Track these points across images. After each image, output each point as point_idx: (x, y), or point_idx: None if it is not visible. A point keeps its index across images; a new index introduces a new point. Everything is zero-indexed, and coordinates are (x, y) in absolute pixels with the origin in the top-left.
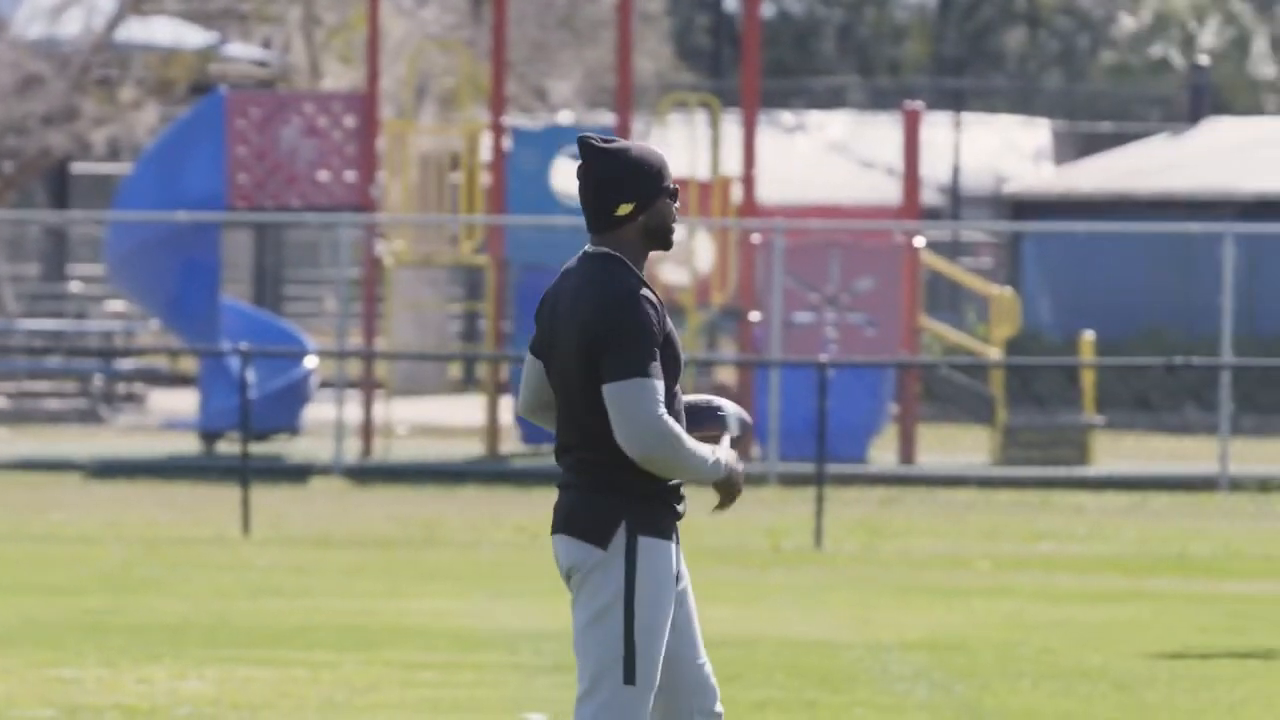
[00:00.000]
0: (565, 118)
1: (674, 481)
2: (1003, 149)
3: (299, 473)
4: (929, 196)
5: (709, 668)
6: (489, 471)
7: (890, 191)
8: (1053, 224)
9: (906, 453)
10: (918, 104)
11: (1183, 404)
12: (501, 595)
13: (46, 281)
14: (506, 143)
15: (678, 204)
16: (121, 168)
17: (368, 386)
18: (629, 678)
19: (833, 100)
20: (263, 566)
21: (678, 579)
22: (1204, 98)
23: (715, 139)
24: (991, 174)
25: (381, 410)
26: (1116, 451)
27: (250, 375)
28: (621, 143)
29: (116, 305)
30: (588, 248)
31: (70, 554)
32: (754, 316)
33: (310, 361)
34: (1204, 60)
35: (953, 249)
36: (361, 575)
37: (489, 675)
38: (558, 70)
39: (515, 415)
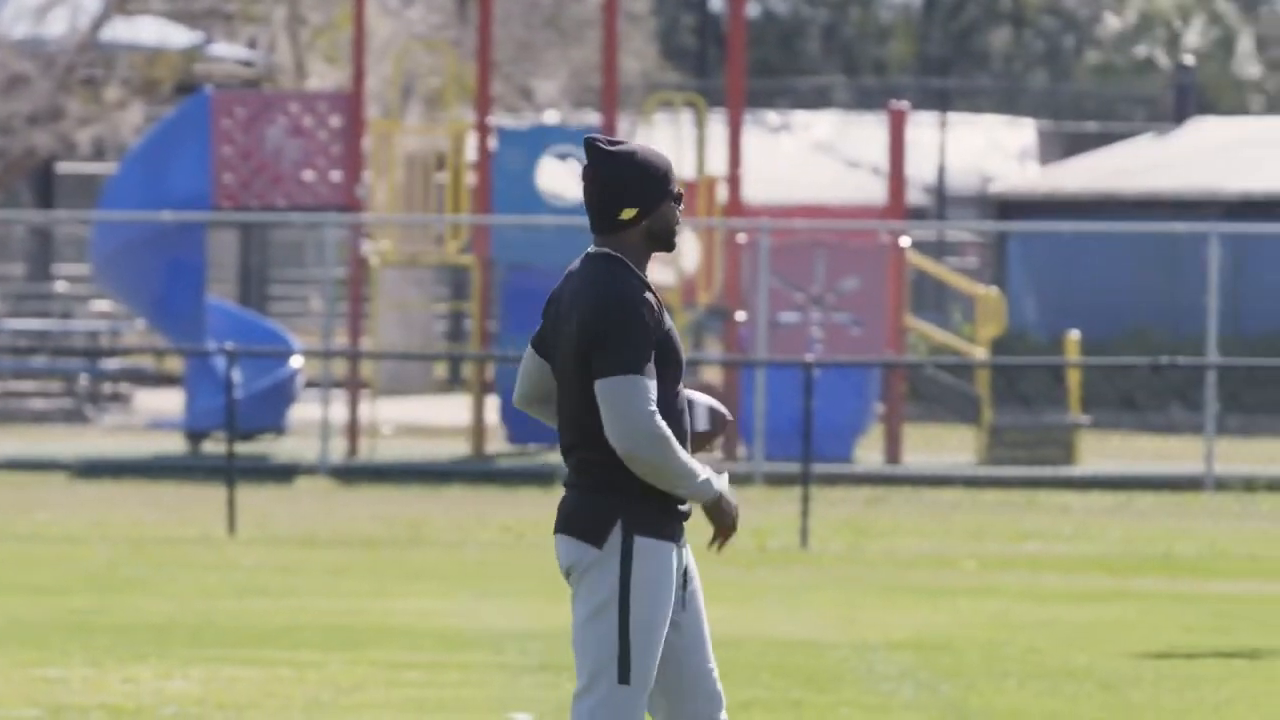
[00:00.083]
0: (551, 117)
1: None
2: (988, 149)
3: (284, 472)
4: (914, 196)
5: (716, 674)
6: (474, 471)
7: (876, 191)
8: (1038, 224)
9: (892, 452)
10: (903, 104)
11: (1168, 404)
12: (487, 595)
13: (32, 281)
14: (492, 142)
15: (682, 207)
16: (107, 167)
17: (353, 386)
18: (624, 677)
19: (818, 100)
20: (248, 566)
21: (686, 581)
22: (1189, 97)
23: (701, 139)
24: (977, 174)
25: (367, 410)
26: (1102, 451)
27: (236, 375)
28: (628, 145)
29: (102, 305)
30: (590, 248)
31: (55, 554)
32: (740, 316)
33: (296, 361)
34: (1189, 60)
35: (938, 249)
36: (347, 575)
37: (474, 675)
38: (543, 70)
39: (509, 407)
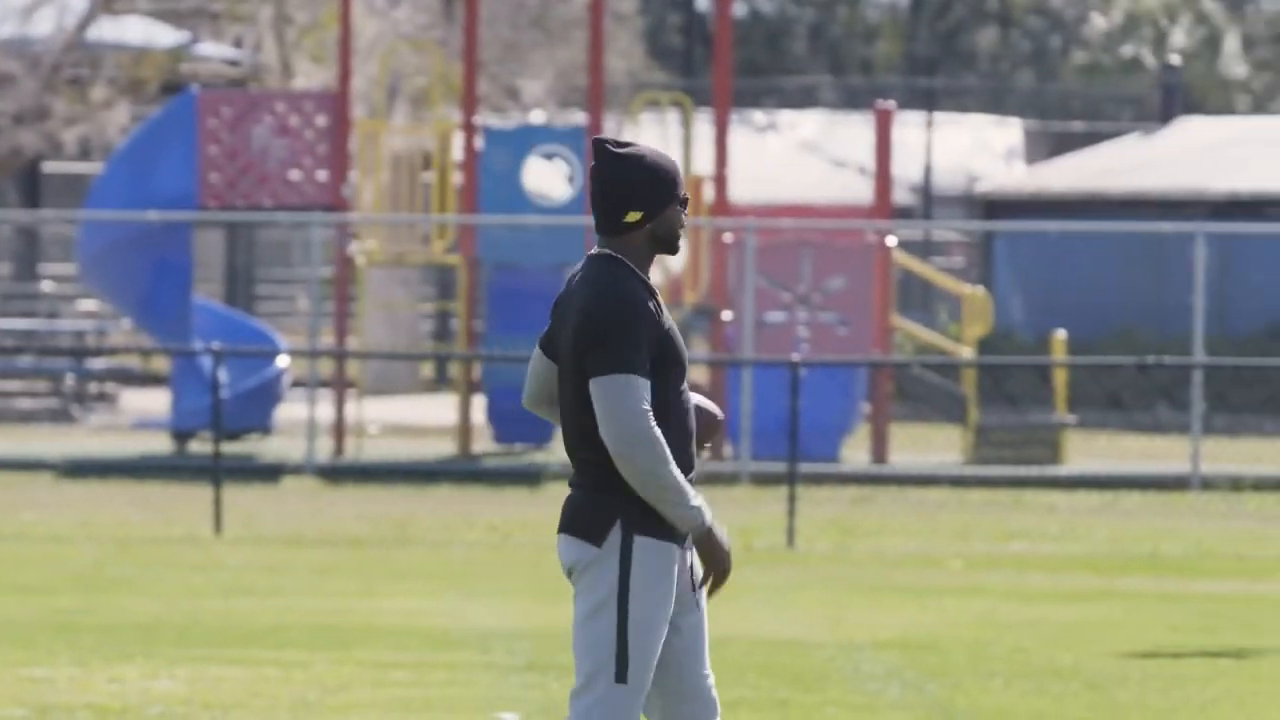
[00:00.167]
0: (537, 117)
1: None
2: (974, 148)
3: (271, 472)
4: (901, 196)
5: (712, 680)
6: (461, 471)
7: (862, 191)
8: (1024, 223)
9: (879, 452)
10: (889, 103)
11: (1155, 403)
12: (474, 595)
13: (18, 281)
14: (478, 142)
15: (687, 211)
16: (93, 167)
17: (340, 386)
18: (621, 676)
19: (805, 99)
20: (234, 566)
21: (694, 586)
22: (1175, 97)
23: (687, 138)
24: (963, 173)
25: (353, 410)
26: (1088, 451)
27: (222, 375)
28: (636, 148)
29: (88, 305)
30: (593, 249)
31: (42, 553)
32: (726, 316)
33: (282, 361)
34: (1175, 60)
35: (925, 248)
36: (333, 575)
37: (461, 674)
38: (530, 70)
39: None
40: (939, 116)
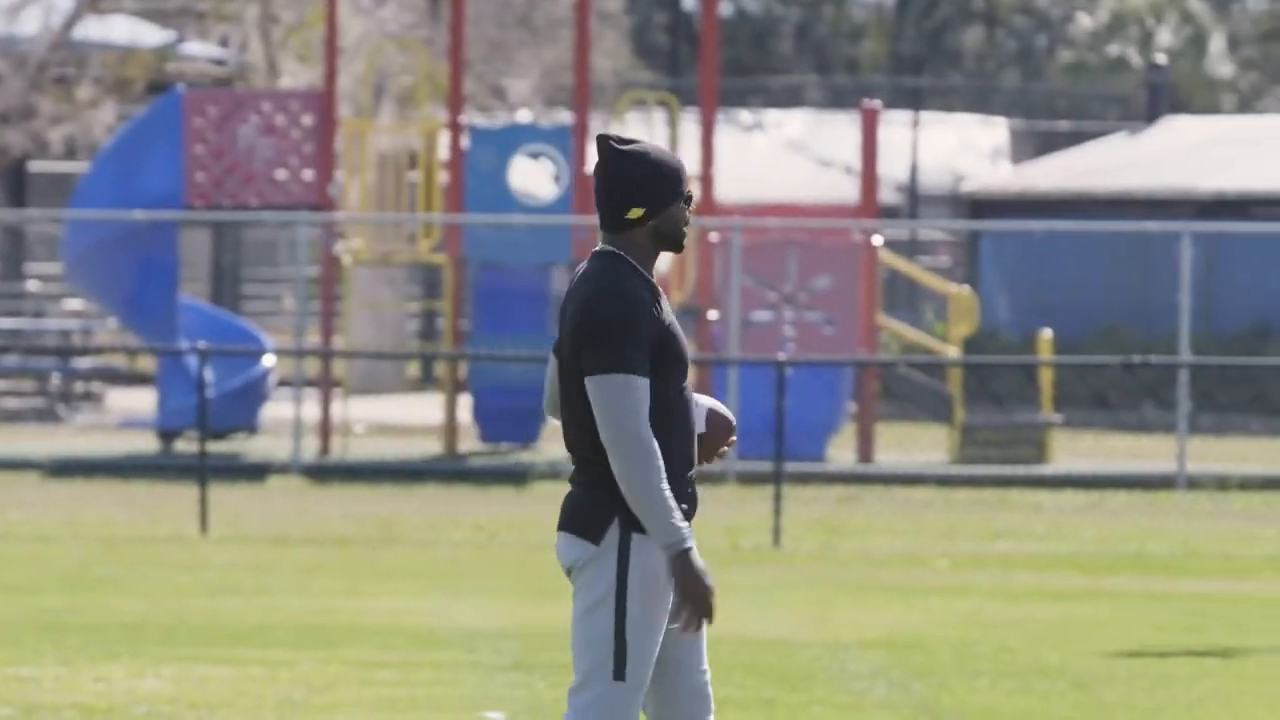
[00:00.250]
0: (523, 116)
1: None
2: (960, 148)
3: (257, 471)
4: (887, 195)
5: (708, 677)
6: (447, 470)
7: (848, 190)
8: (1010, 223)
9: (865, 451)
10: (875, 103)
11: (1141, 402)
12: (460, 594)
13: (4, 280)
14: (464, 141)
15: (691, 208)
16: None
17: (326, 385)
18: (619, 674)
19: (790, 99)
20: (220, 565)
21: None
22: (1161, 96)
23: (673, 137)
24: (949, 173)
25: (339, 409)
26: (1074, 450)
27: (208, 374)
28: (640, 145)
29: (74, 304)
30: (597, 246)
31: (27, 553)
32: (712, 315)
33: (268, 360)
34: (1161, 59)
35: (911, 248)
36: (319, 574)
37: (447, 674)
38: (516, 69)
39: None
40: (925, 116)
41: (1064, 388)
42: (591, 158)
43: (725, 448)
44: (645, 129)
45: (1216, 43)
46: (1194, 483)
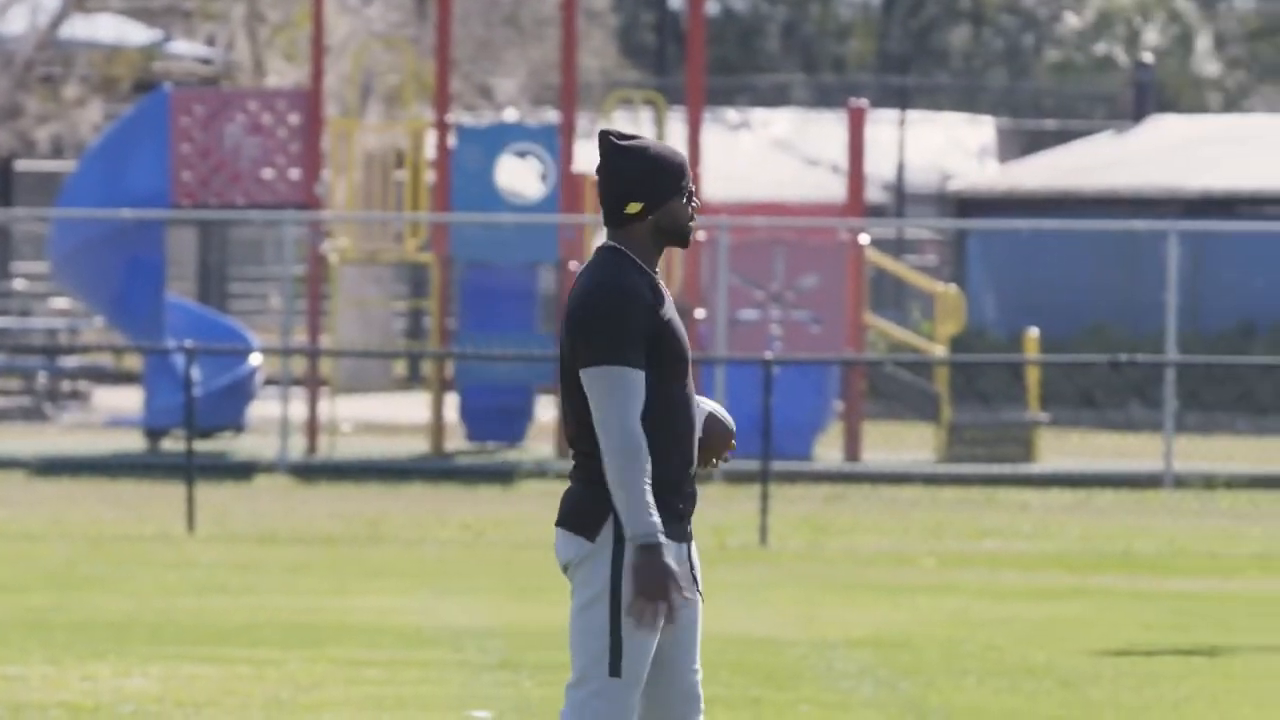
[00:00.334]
0: (510, 115)
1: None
2: (947, 146)
3: (244, 470)
4: (874, 194)
5: (699, 678)
6: (434, 469)
7: (835, 189)
8: (997, 221)
9: (851, 450)
10: (862, 101)
11: (1127, 401)
12: (446, 593)
13: None
14: (451, 140)
15: (694, 205)
16: (66, 165)
17: (312, 384)
18: (614, 670)
19: (777, 98)
20: (207, 564)
21: (693, 580)
22: (1148, 95)
23: (660, 136)
24: (936, 171)
25: (326, 407)
26: (1061, 449)
27: (195, 373)
28: (641, 141)
29: (61, 303)
30: (601, 241)
31: (14, 551)
32: (699, 314)
33: (255, 359)
34: (1148, 58)
35: (898, 246)
36: (306, 573)
37: (434, 672)
38: (502, 68)
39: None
40: (912, 114)
41: (1051, 386)
42: (578, 157)
43: (723, 456)
44: (632, 128)
45: (1203, 42)
46: (1180, 481)
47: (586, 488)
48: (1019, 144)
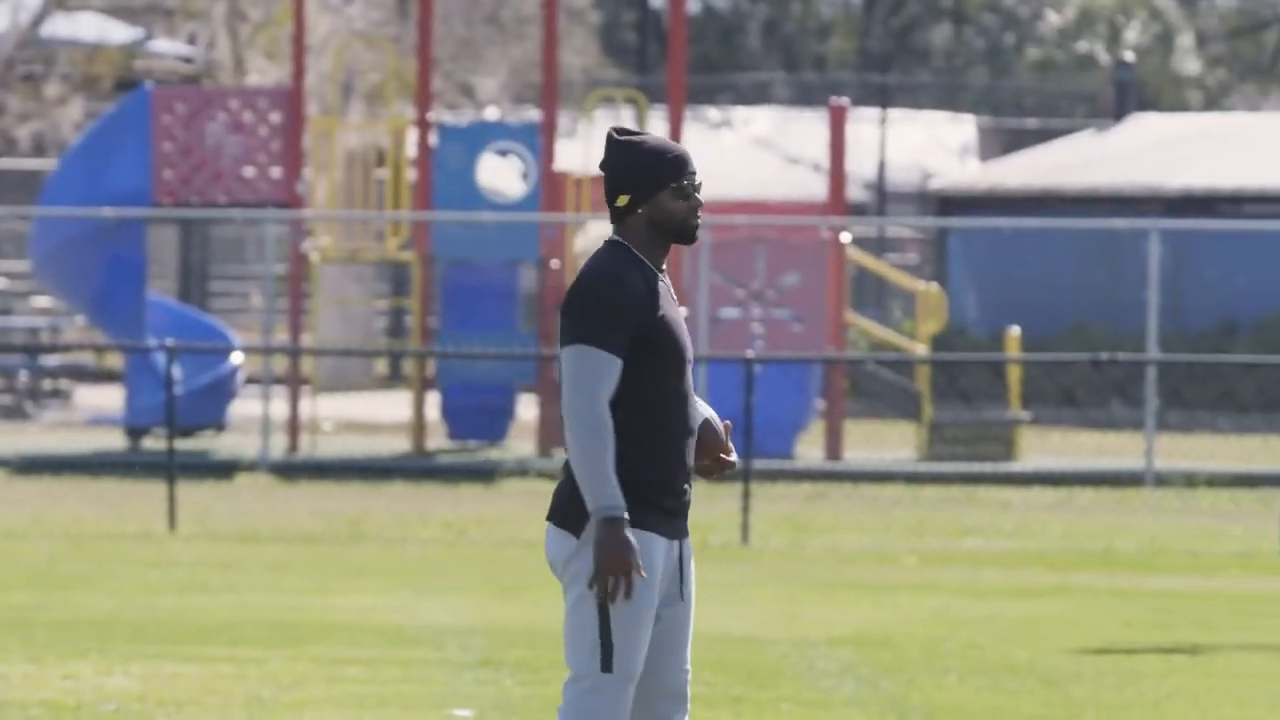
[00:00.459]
0: (491, 114)
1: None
2: (928, 145)
3: (225, 468)
4: (855, 192)
5: (688, 678)
6: (415, 467)
7: (816, 187)
8: (978, 220)
9: (833, 448)
10: (843, 100)
11: (1109, 400)
12: (428, 591)
13: None
14: (432, 139)
15: (690, 201)
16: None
17: (294, 382)
18: (606, 665)
19: (758, 96)
20: (189, 562)
21: (681, 579)
22: (1129, 94)
23: None
24: (917, 170)
25: (308, 406)
26: (1042, 447)
27: (176, 371)
28: (639, 136)
29: (42, 301)
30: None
31: None
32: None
33: (236, 357)
34: (1129, 56)
35: (879, 245)
36: (288, 571)
37: (415, 671)
38: (484, 66)
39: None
40: (893, 113)
41: (1032, 385)
42: (559, 155)
43: (720, 464)
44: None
45: (1184, 40)
46: (1162, 480)
47: (572, 482)
48: (1000, 142)
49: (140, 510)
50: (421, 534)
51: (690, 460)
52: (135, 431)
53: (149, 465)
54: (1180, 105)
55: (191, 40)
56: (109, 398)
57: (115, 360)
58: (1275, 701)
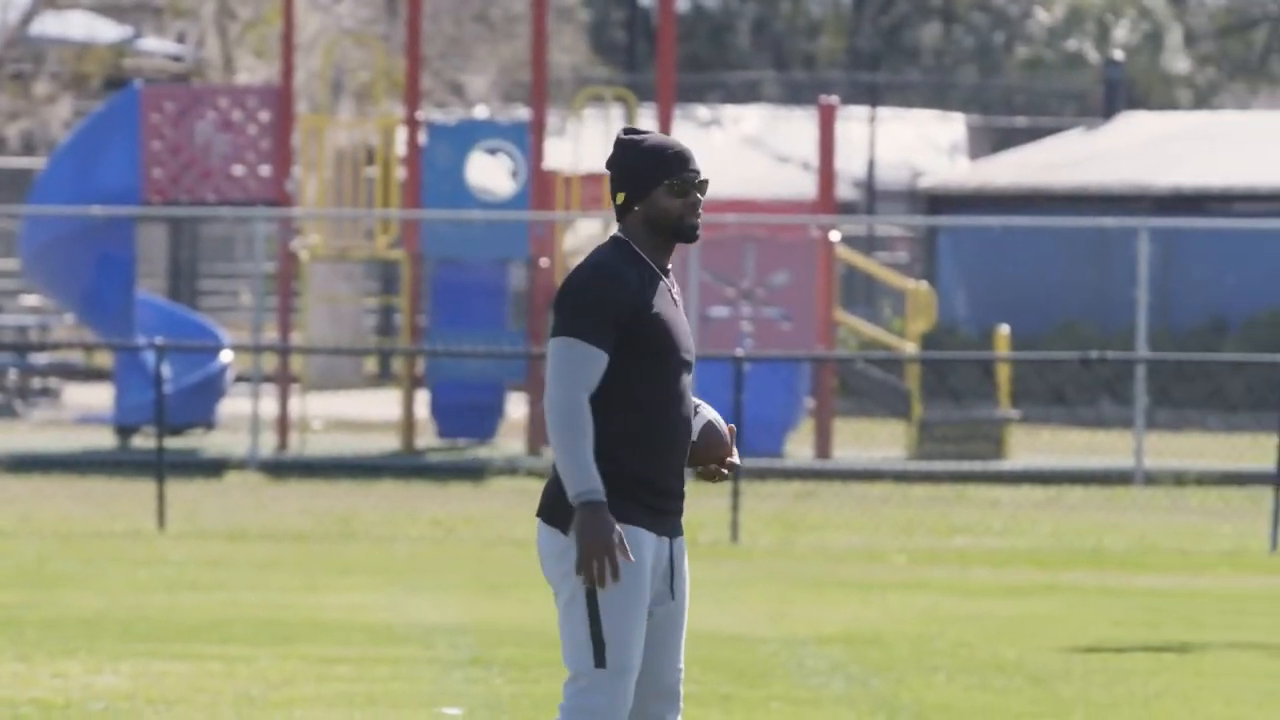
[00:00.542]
0: (481, 112)
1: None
2: (918, 143)
3: (214, 467)
4: (844, 191)
5: (681, 676)
6: (404, 466)
7: (806, 186)
8: (968, 218)
9: (822, 447)
10: (833, 98)
11: (1098, 398)
12: (417, 589)
13: None
14: (422, 137)
15: (687, 199)
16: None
17: (283, 381)
18: (599, 661)
19: (748, 94)
20: (178, 561)
21: (672, 577)
22: (1118, 92)
23: None
24: (907, 168)
25: (297, 404)
26: (1032, 445)
27: (165, 369)
28: (641, 135)
29: (31, 300)
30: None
31: None
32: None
33: (225, 356)
34: (1118, 55)
35: (868, 243)
36: (277, 569)
37: (405, 669)
38: (473, 65)
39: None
40: (882, 111)
41: (1022, 383)
42: (549, 154)
43: (721, 466)
44: (603, 125)
45: (1173, 38)
46: (1151, 478)
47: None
48: (989, 141)
49: (129, 508)
50: (411, 532)
51: (684, 461)
52: (124, 430)
53: (138, 463)
54: (1169, 104)
55: (180, 39)
56: (98, 396)
57: (104, 359)
58: (1264, 699)
